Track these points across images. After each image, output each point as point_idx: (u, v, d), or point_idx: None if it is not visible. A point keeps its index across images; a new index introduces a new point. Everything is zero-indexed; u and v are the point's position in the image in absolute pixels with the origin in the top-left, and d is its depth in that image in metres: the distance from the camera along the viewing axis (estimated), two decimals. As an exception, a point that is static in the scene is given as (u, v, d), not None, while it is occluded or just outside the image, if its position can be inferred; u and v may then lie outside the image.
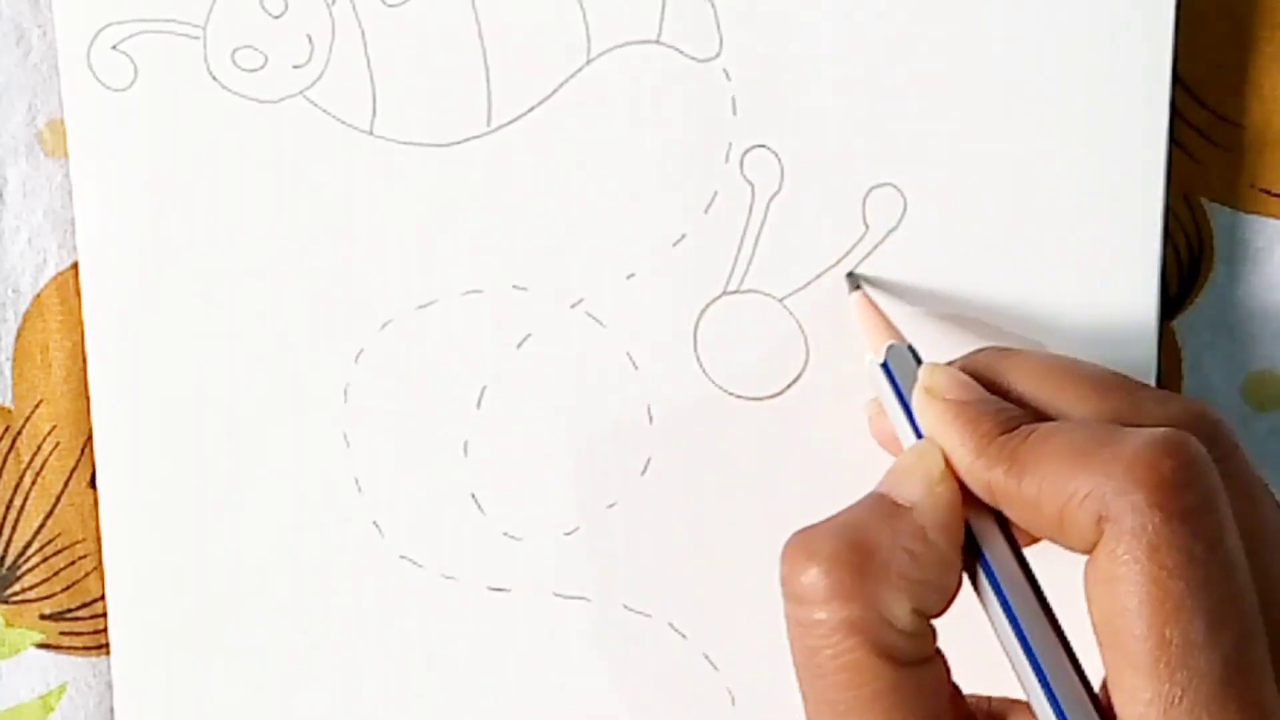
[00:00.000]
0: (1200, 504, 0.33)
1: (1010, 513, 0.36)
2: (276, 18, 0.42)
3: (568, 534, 0.45)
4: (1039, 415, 0.38)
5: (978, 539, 0.37)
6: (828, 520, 0.37)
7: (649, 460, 0.45)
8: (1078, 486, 0.34)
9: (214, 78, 0.43)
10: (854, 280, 0.43)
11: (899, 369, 0.40)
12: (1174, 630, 0.32)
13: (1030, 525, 0.36)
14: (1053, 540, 0.35)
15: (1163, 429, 0.34)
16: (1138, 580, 0.33)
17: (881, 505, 0.37)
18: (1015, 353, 0.40)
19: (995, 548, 0.37)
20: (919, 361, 0.40)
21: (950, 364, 0.40)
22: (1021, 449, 0.36)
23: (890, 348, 0.41)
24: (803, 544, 0.37)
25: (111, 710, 0.46)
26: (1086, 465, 0.34)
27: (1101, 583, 0.33)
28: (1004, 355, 0.40)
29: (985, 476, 0.36)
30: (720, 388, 0.44)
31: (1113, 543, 0.33)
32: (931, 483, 0.37)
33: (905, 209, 0.43)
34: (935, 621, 0.37)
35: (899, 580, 0.36)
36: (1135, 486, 0.33)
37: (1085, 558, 0.34)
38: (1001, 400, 0.38)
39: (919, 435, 0.39)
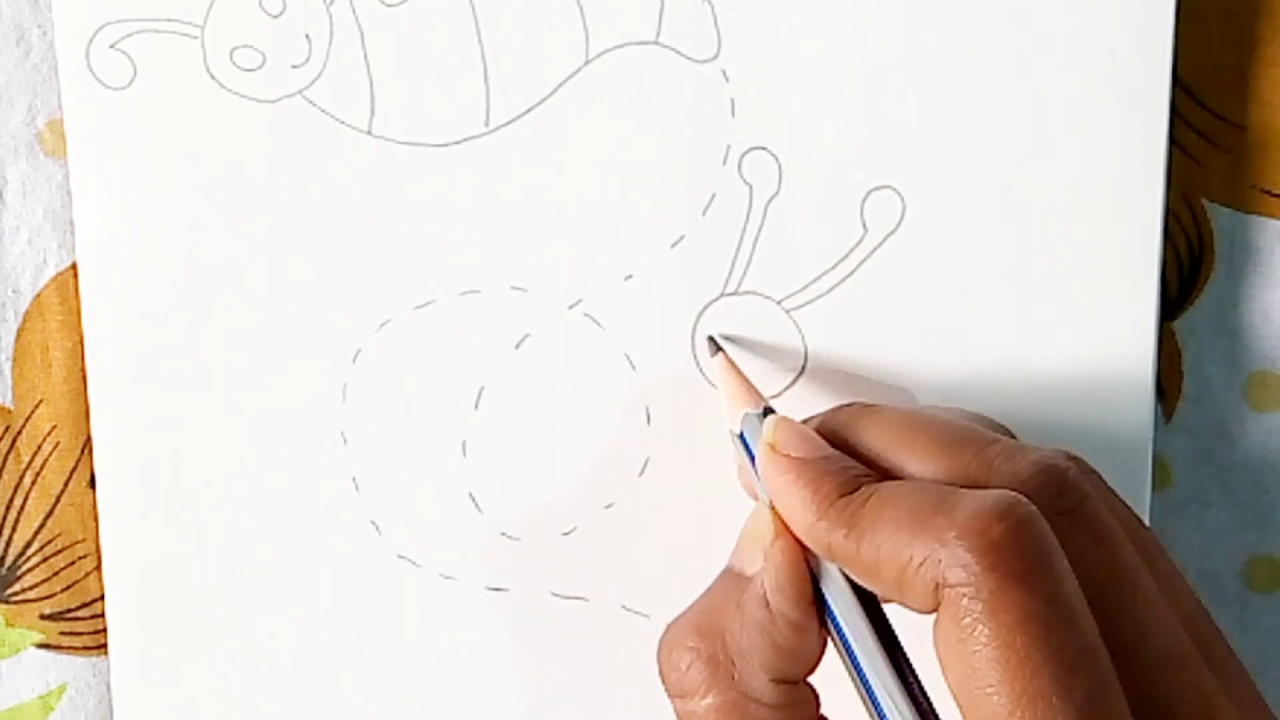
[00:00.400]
0: (1034, 564, 0.33)
1: (852, 574, 0.36)
2: (275, 17, 0.42)
3: (566, 534, 0.45)
4: (886, 474, 0.37)
5: (826, 596, 0.37)
6: (690, 607, 0.38)
7: (647, 461, 0.45)
8: (913, 553, 0.34)
9: (212, 77, 0.43)
10: (714, 344, 0.43)
11: (756, 433, 0.40)
12: (1023, 684, 0.32)
13: (873, 588, 0.36)
14: (896, 603, 0.35)
15: (995, 492, 0.34)
16: (982, 640, 0.33)
17: (728, 580, 0.38)
18: (874, 410, 0.40)
19: (841, 603, 0.37)
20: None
21: (809, 420, 0.40)
22: (861, 512, 0.36)
23: (745, 416, 0.41)
24: (670, 638, 0.38)
25: (111, 710, 0.46)
26: (921, 531, 0.34)
27: (948, 647, 0.33)
28: (863, 412, 0.40)
29: (826, 539, 0.36)
30: (719, 389, 0.44)
31: (952, 607, 0.33)
32: (765, 548, 0.38)
33: (904, 211, 0.43)
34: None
35: (752, 655, 0.36)
36: (968, 552, 0.33)
37: None
38: (845, 459, 0.38)
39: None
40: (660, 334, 0.44)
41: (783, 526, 0.38)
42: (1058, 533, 0.34)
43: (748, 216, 0.43)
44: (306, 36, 0.43)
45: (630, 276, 0.44)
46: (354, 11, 0.42)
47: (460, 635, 0.45)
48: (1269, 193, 0.44)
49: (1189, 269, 0.45)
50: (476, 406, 0.44)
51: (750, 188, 0.43)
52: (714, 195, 0.43)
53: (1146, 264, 0.43)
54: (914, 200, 0.43)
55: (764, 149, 0.43)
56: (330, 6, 0.42)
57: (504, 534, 0.45)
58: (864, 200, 0.43)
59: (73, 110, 0.43)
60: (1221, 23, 0.43)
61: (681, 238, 0.43)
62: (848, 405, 0.41)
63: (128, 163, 0.43)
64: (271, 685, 0.46)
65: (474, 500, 0.45)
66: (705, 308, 0.44)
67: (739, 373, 0.42)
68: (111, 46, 0.42)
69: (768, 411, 0.40)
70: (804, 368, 0.44)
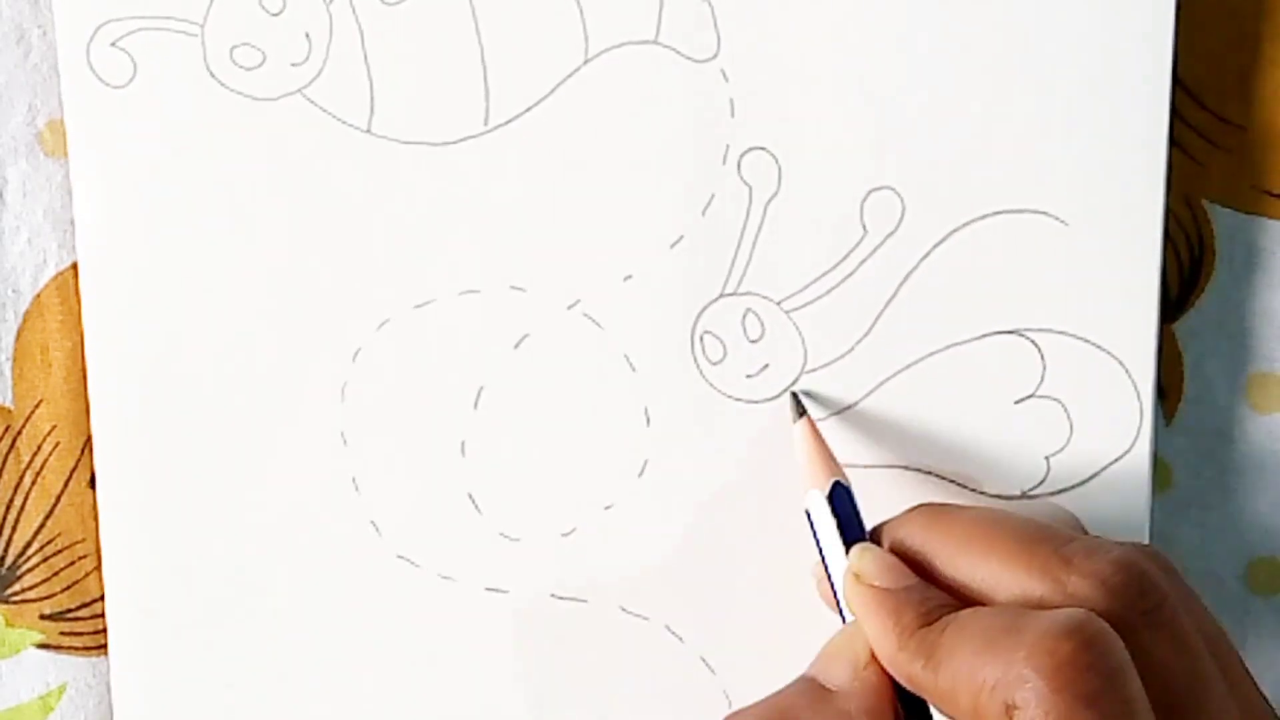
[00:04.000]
0: (1102, 685, 0.33)
1: (932, 705, 0.37)
2: (275, 15, 0.42)
3: (565, 535, 0.45)
4: (963, 593, 0.38)
5: None
6: (760, 702, 0.39)
7: (646, 462, 0.44)
8: (985, 677, 0.34)
9: (212, 75, 0.43)
10: (799, 405, 0.44)
11: (836, 510, 0.41)
12: None
13: (952, 716, 0.36)
14: None
15: (1065, 610, 0.35)
16: None
17: (810, 690, 0.39)
18: (942, 520, 0.40)
19: None
20: (837, 508, 0.41)
21: (886, 530, 0.41)
22: (939, 641, 0.36)
23: (834, 487, 0.41)
24: None
25: (111, 711, 0.46)
26: (992, 655, 0.34)
27: None
28: (932, 523, 0.40)
29: (906, 669, 0.37)
30: (718, 390, 0.44)
31: None
32: (857, 668, 0.38)
33: (903, 212, 0.43)
34: None
35: None
36: (1036, 673, 0.33)
37: None
38: (927, 589, 0.39)
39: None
40: (660, 334, 0.44)
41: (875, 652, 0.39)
42: (1137, 634, 0.35)
43: (747, 216, 0.43)
44: (306, 35, 0.43)
45: (630, 276, 0.44)
46: (354, 10, 0.42)
47: (459, 636, 0.45)
48: (1270, 193, 0.44)
49: (1189, 270, 0.45)
50: (476, 406, 0.44)
51: (750, 188, 0.43)
52: (713, 195, 0.43)
53: (1147, 265, 0.43)
54: (913, 201, 0.43)
55: (763, 149, 0.43)
56: (330, 5, 0.42)
57: (503, 534, 0.45)
58: (864, 201, 0.43)
59: (73, 108, 0.43)
60: (1221, 23, 0.43)
61: (681, 238, 0.43)
62: (920, 507, 0.41)
63: (128, 161, 0.43)
64: (271, 685, 0.46)
65: (473, 501, 0.45)
66: (705, 308, 0.44)
67: (821, 443, 0.42)
68: (112, 45, 0.43)
69: (835, 487, 0.41)
70: (803, 368, 0.44)
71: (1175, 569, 0.38)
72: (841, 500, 0.41)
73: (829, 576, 0.41)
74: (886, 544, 0.41)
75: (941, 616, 0.37)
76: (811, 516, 0.42)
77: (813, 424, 0.43)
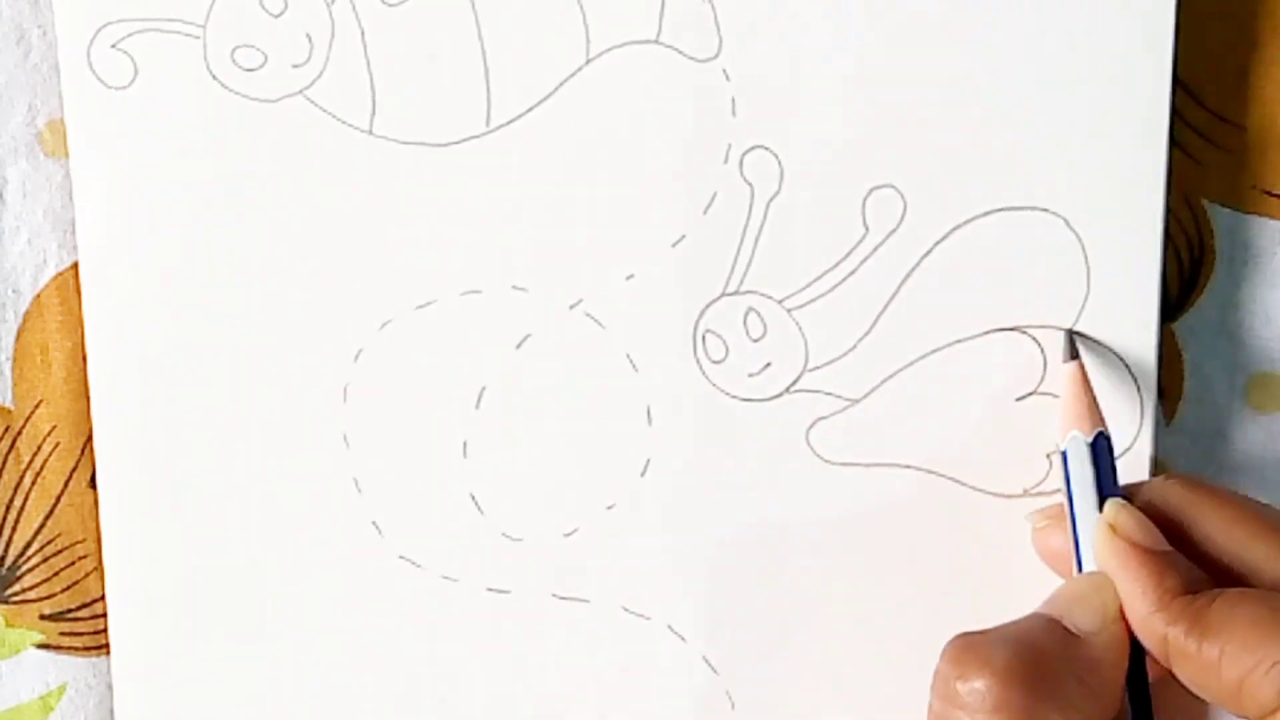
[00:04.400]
0: None
1: (1182, 672, 0.37)
2: (276, 17, 0.42)
3: (567, 535, 0.45)
4: (1223, 570, 0.38)
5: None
6: (998, 629, 0.38)
7: (648, 461, 0.44)
8: (1266, 653, 0.35)
9: (214, 76, 0.43)
10: (1073, 345, 0.43)
11: (1092, 458, 0.41)
12: None
13: (1202, 688, 0.37)
14: (1222, 705, 0.36)
15: None
16: None
17: (1055, 630, 0.38)
18: (1204, 494, 0.40)
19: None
20: (1098, 456, 0.41)
21: (1141, 491, 0.41)
22: (1207, 611, 0.36)
23: (1097, 437, 0.41)
24: (972, 649, 0.37)
25: (111, 710, 0.46)
26: (1273, 635, 0.35)
27: None
28: (1193, 495, 0.40)
29: (1162, 631, 0.37)
30: (719, 389, 0.44)
31: None
32: (1108, 618, 0.38)
33: (905, 210, 0.43)
34: None
35: (1066, 706, 0.37)
36: None
37: None
38: (1186, 560, 0.39)
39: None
40: (661, 334, 0.44)
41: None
42: None
43: (749, 216, 0.43)
44: (308, 36, 0.43)
45: (631, 276, 0.44)
46: (355, 11, 0.42)
47: (461, 636, 0.45)
48: (1269, 193, 0.44)
49: (1189, 270, 0.45)
50: (478, 407, 0.44)
51: (751, 187, 0.43)
52: (715, 194, 0.43)
53: (1147, 265, 0.43)
54: (915, 199, 0.43)
55: (765, 148, 0.43)
56: (331, 6, 0.42)
57: (505, 535, 0.45)
58: (865, 199, 0.43)
59: (74, 110, 0.43)
60: (1221, 23, 0.43)
61: (682, 237, 0.43)
62: (1170, 480, 0.41)
63: (129, 162, 0.43)
64: (272, 686, 0.46)
65: (475, 501, 0.45)
66: (706, 307, 0.44)
67: (1088, 387, 0.42)
68: (113, 46, 0.42)
69: (1099, 437, 0.41)
70: (805, 367, 0.44)
71: None
72: (1102, 452, 0.41)
73: (1073, 522, 0.41)
74: (1137, 505, 0.41)
75: (1202, 589, 0.37)
76: (1068, 458, 0.41)
77: (1083, 368, 0.42)
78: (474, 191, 0.43)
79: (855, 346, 0.44)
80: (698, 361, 0.44)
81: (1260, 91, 0.44)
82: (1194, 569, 0.38)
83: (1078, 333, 0.43)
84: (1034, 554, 0.43)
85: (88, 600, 0.46)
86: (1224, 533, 0.39)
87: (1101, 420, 0.42)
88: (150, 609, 0.45)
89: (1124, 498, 0.40)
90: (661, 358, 0.44)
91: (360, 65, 0.43)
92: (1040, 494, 0.44)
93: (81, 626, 0.46)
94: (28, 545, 0.46)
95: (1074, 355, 0.43)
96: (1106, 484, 0.41)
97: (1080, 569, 0.40)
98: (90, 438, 0.45)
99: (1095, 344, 0.43)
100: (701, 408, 0.44)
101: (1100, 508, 0.40)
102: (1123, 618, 0.38)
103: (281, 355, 0.44)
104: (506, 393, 0.44)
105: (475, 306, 0.44)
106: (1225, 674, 0.35)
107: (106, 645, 0.46)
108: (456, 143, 0.43)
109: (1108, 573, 0.39)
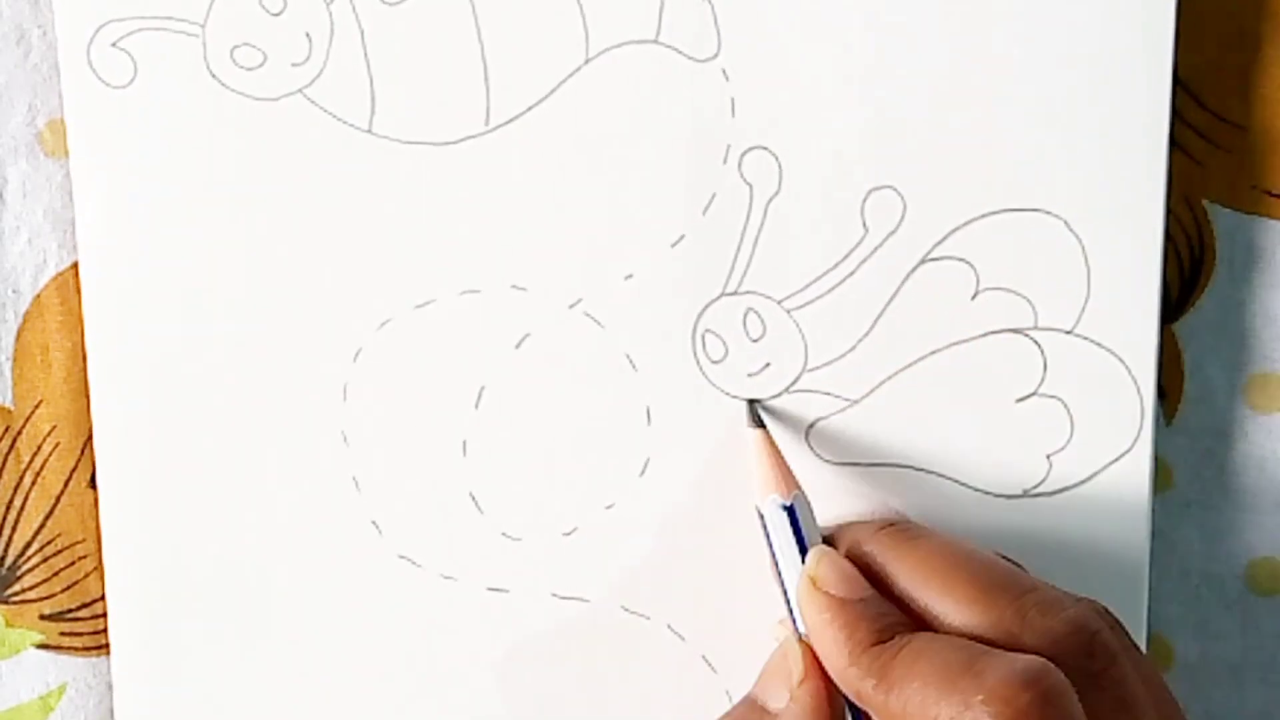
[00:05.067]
0: None
1: None
2: (275, 15, 0.42)
3: (566, 535, 0.45)
4: (919, 618, 0.38)
5: None
6: None
7: (648, 461, 0.44)
8: (939, 712, 0.35)
9: (213, 75, 0.43)
10: (756, 415, 0.44)
11: (791, 521, 0.41)
12: None
13: None
14: None
15: (1024, 658, 0.35)
16: None
17: (750, 712, 0.40)
18: (914, 539, 0.41)
19: None
20: (795, 520, 0.41)
21: (847, 528, 0.41)
22: (892, 664, 0.37)
23: (770, 501, 0.41)
24: None
25: (111, 711, 0.46)
26: (950, 690, 0.35)
27: None
28: (902, 540, 0.40)
29: (856, 685, 0.37)
30: (719, 389, 0.44)
31: None
32: (792, 687, 0.39)
33: (904, 211, 0.43)
34: None
35: None
36: (992, 719, 0.34)
37: None
38: (883, 604, 0.39)
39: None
40: (661, 333, 0.44)
41: (812, 666, 0.39)
42: (1084, 695, 0.35)
43: (748, 216, 0.43)
44: (307, 35, 0.43)
45: (631, 276, 0.44)
46: (354, 10, 0.42)
47: (461, 636, 0.45)
48: (1270, 193, 0.44)
49: (1190, 270, 0.45)
50: (477, 406, 0.44)
51: (751, 187, 0.43)
52: (714, 195, 0.43)
53: (1147, 266, 0.43)
54: (914, 200, 0.43)
55: (764, 148, 0.43)
56: (331, 5, 0.42)
57: (504, 534, 0.45)
58: (865, 200, 0.43)
59: (74, 109, 0.43)
60: (1221, 23, 0.43)
61: (682, 237, 0.43)
62: (888, 527, 0.41)
63: (129, 161, 0.43)
64: (272, 685, 0.46)
65: (474, 500, 0.45)
66: (706, 307, 0.44)
67: (777, 454, 0.42)
68: (112, 45, 0.43)
69: (796, 498, 0.41)
70: (804, 367, 0.44)
71: (1121, 625, 0.39)
72: (802, 513, 0.41)
73: (783, 588, 0.41)
74: (843, 549, 0.41)
75: (895, 635, 0.37)
76: (767, 523, 0.42)
77: (769, 435, 0.43)
78: (473, 191, 0.43)
79: (855, 347, 0.44)
80: (697, 361, 0.44)
81: (1260, 92, 0.44)
82: (891, 613, 0.38)
83: (756, 400, 0.44)
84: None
85: (88, 600, 0.46)
86: (922, 582, 0.39)
87: (796, 483, 0.42)
88: (150, 609, 0.45)
89: (829, 543, 0.41)
90: (661, 358, 0.44)
91: (360, 64, 0.43)
92: (1040, 494, 0.44)
93: (81, 626, 0.46)
94: (28, 545, 0.46)
95: (759, 424, 0.43)
96: (805, 542, 0.41)
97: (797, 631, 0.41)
98: (90, 438, 0.45)
99: (1094, 346, 0.43)
100: (701, 408, 0.44)
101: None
102: (816, 678, 0.39)
103: (281, 354, 0.44)
104: (506, 392, 0.44)
105: (474, 306, 0.44)
106: None
107: (106, 645, 0.46)
108: (456, 142, 0.43)
109: (810, 629, 0.39)
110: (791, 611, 0.41)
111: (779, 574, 0.41)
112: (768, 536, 0.41)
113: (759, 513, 0.42)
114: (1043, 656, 0.36)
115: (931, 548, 0.40)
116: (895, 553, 0.40)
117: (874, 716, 0.37)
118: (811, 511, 0.42)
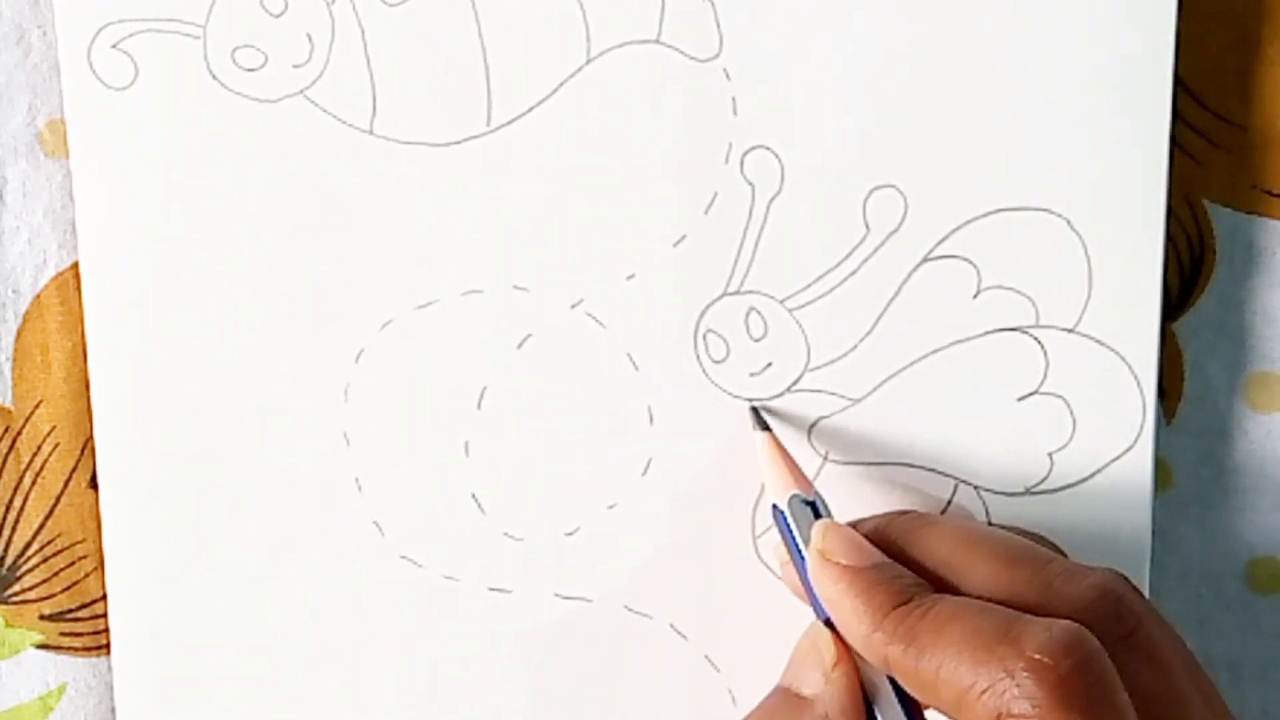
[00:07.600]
0: (1099, 698, 0.34)
1: (908, 686, 0.37)
2: (276, 17, 0.42)
3: (569, 534, 0.45)
4: (939, 584, 0.38)
5: (875, 709, 0.38)
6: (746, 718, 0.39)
7: (650, 461, 0.44)
8: (977, 679, 0.34)
9: (214, 77, 0.43)
10: (760, 418, 0.44)
11: (802, 520, 0.41)
12: None
13: (928, 702, 0.36)
14: (949, 716, 0.36)
15: (1060, 623, 0.35)
16: None
17: (785, 701, 0.39)
18: (931, 521, 0.41)
19: (890, 714, 0.38)
20: (819, 515, 0.41)
21: (863, 522, 0.41)
22: (919, 626, 0.36)
23: (792, 498, 0.41)
24: None
25: (111, 711, 0.46)
26: (987, 658, 0.35)
27: None
28: (920, 522, 0.40)
29: (882, 651, 0.37)
30: (721, 388, 0.44)
31: None
32: (826, 671, 0.38)
33: (906, 210, 0.43)
34: None
35: None
36: (1036, 686, 0.34)
37: None
38: (896, 567, 0.39)
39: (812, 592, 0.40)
40: (663, 333, 0.44)
41: (844, 650, 0.38)
42: (1115, 656, 0.35)
43: (750, 215, 0.43)
44: (308, 36, 0.43)
45: (632, 276, 0.44)
46: (355, 11, 0.42)
47: (463, 636, 0.45)
48: (1270, 193, 0.45)
49: (1190, 270, 0.45)
50: (479, 406, 0.44)
51: (752, 186, 0.43)
52: (716, 194, 0.43)
53: (1148, 265, 0.43)
54: (916, 199, 0.43)
55: (766, 148, 0.43)
56: (332, 6, 0.42)
57: (507, 534, 0.45)
58: (866, 199, 0.43)
59: (74, 110, 0.43)
60: (1222, 23, 0.43)
61: (683, 237, 0.43)
62: (904, 513, 0.41)
63: (129, 163, 0.43)
64: (273, 686, 0.46)
65: (476, 501, 0.45)
66: (707, 307, 0.44)
67: (785, 454, 0.42)
68: (113, 46, 0.42)
69: (809, 502, 0.41)
70: (806, 367, 0.44)
71: (1142, 593, 0.39)
72: (823, 506, 0.41)
73: (805, 581, 0.41)
74: (860, 533, 0.41)
75: (915, 597, 0.37)
76: (787, 519, 0.41)
77: (775, 437, 0.43)
78: (474, 191, 0.43)
79: (856, 346, 0.44)
80: (699, 361, 0.44)
81: (1261, 91, 0.44)
82: (905, 575, 0.38)
83: (760, 406, 0.44)
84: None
85: (88, 600, 0.46)
86: (945, 552, 0.39)
87: (808, 482, 0.42)
88: (150, 609, 0.45)
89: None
90: (663, 357, 0.44)
91: (361, 65, 0.43)
92: (1042, 492, 0.44)
93: (81, 626, 0.46)
94: (28, 545, 0.46)
95: (764, 427, 0.43)
96: None
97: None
98: (90, 438, 0.45)
99: (1096, 344, 0.43)
100: (703, 407, 0.44)
101: None
102: (847, 659, 0.38)
103: (282, 355, 0.44)
104: (508, 392, 0.44)
105: (476, 306, 0.44)
106: (943, 693, 0.35)
107: (106, 645, 0.46)
108: (457, 143, 0.43)
109: (826, 603, 0.39)
110: (817, 605, 0.40)
111: (802, 570, 0.41)
112: (790, 534, 0.41)
113: (778, 511, 0.42)
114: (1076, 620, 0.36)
115: (951, 526, 0.40)
116: (913, 536, 0.40)
117: (902, 682, 0.37)
118: (829, 510, 0.42)
